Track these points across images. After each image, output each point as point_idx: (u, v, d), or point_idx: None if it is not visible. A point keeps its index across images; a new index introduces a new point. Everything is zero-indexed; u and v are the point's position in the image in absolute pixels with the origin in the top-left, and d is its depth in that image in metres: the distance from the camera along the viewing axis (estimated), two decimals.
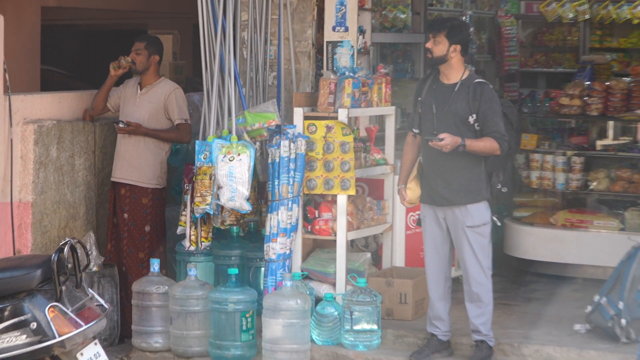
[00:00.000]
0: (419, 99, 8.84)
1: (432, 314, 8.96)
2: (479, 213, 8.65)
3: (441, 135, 8.35)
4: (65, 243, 7.43)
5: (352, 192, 9.62)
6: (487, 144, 8.50)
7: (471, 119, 8.53)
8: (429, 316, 9.01)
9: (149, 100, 10.14)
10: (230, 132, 9.65)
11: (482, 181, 8.66)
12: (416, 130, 8.89)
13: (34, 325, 7.22)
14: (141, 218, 10.11)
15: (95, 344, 7.50)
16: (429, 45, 8.66)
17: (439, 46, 8.60)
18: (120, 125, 9.99)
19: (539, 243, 11.45)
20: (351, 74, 9.77)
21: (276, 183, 9.44)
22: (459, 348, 9.04)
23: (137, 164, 10.08)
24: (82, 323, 7.31)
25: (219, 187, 9.44)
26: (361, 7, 10.81)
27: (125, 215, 10.13)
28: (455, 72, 8.68)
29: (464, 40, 8.71)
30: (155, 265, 9.68)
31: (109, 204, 10.32)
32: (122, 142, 10.13)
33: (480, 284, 8.72)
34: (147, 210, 10.11)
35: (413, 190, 8.82)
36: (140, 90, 10.21)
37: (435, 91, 8.72)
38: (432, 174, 8.72)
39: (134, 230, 10.11)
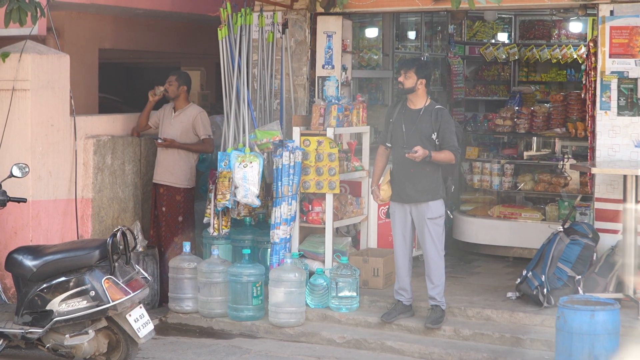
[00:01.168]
0: (390, 120, 8.82)
1: (398, 285, 8.93)
2: (437, 208, 8.66)
3: (415, 148, 8.37)
4: (118, 230, 7.41)
5: (337, 191, 9.59)
6: (446, 155, 8.54)
7: (434, 136, 8.55)
8: (395, 287, 8.98)
9: (181, 121, 10.08)
10: (244, 145, 9.62)
11: (439, 184, 8.67)
12: (389, 144, 8.86)
13: (92, 293, 7.20)
14: (175, 211, 10.05)
15: (140, 307, 7.47)
16: (401, 79, 8.66)
17: (409, 80, 8.61)
18: (159, 140, 9.96)
19: (479, 230, 11.41)
20: (336, 101, 9.75)
21: (279, 184, 9.40)
22: (418, 310, 9.01)
23: (173, 170, 10.01)
24: (130, 291, 7.29)
25: (236, 187, 9.41)
26: (344, 51, 10.78)
27: (164, 209, 10.05)
28: (421, 99, 8.68)
29: (428, 76, 8.73)
30: (187, 246, 9.65)
31: (151, 200, 10.25)
32: (161, 153, 10.07)
33: (436, 263, 8.70)
34: (180, 205, 10.06)
35: (385, 191, 8.82)
36: (174, 113, 10.15)
37: (404, 114, 8.71)
38: (402, 178, 8.69)
39: (170, 220, 10.05)
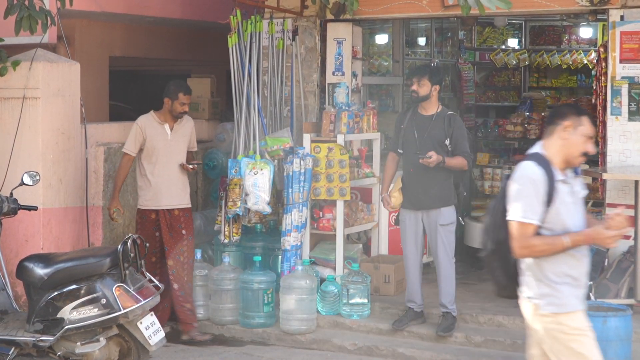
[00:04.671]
0: (402, 126, 8.78)
1: (409, 292, 8.90)
2: (449, 214, 8.64)
3: (429, 154, 8.35)
4: (129, 237, 7.40)
5: (348, 198, 9.59)
6: (459, 161, 8.53)
7: (447, 142, 8.53)
8: (406, 294, 8.95)
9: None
10: (255, 152, 9.62)
11: (451, 190, 8.65)
12: (400, 151, 8.82)
13: (103, 300, 7.18)
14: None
15: (151, 314, 7.46)
16: (414, 87, 8.60)
17: (424, 87, 8.58)
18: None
19: None
20: (347, 108, 9.75)
21: (290, 191, 9.40)
22: (430, 317, 8.99)
23: (186, 189, 9.27)
24: (141, 299, 7.27)
25: (247, 194, 9.40)
26: (354, 57, 10.78)
27: (184, 232, 9.10)
28: (433, 106, 8.67)
29: (441, 81, 8.75)
30: (198, 253, 9.64)
31: (143, 228, 9.10)
32: (174, 173, 9.12)
33: (447, 270, 8.68)
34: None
35: (396, 198, 8.78)
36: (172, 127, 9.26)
37: (416, 121, 8.69)
38: (414, 185, 8.65)
39: (192, 244, 9.27)
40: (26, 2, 8.17)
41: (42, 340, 7.30)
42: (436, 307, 8.90)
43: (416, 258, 8.81)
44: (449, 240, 8.67)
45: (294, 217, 9.41)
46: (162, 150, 9.07)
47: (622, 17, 9.26)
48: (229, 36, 9.69)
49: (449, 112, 8.73)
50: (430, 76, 8.59)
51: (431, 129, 8.60)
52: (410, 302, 8.90)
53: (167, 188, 9.08)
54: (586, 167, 10.65)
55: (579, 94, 14.77)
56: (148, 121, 9.17)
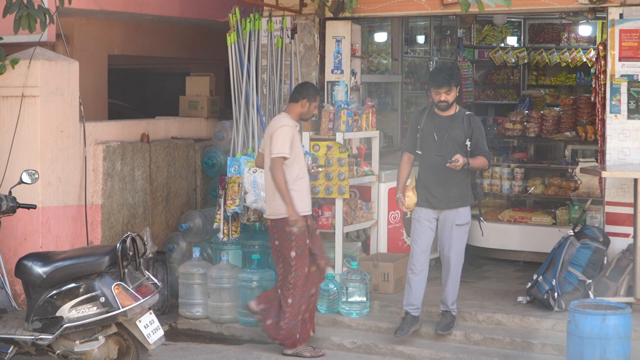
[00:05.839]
0: (419, 127, 8.59)
1: (411, 295, 8.66)
2: (466, 214, 8.55)
3: (455, 157, 8.23)
4: (127, 236, 7.40)
5: (347, 196, 9.58)
6: (482, 161, 8.46)
7: (467, 143, 8.43)
8: (406, 296, 8.70)
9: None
10: (254, 150, 9.62)
11: (469, 190, 8.57)
12: (419, 152, 8.60)
13: (102, 299, 7.19)
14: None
15: (150, 313, 7.46)
16: (443, 98, 8.38)
17: (451, 94, 8.42)
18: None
19: (490, 234, 11.36)
20: (346, 106, 9.74)
21: None
22: (429, 315, 8.94)
23: None
24: (140, 297, 7.27)
25: (246, 193, 9.40)
26: (353, 55, 10.78)
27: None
28: (452, 107, 8.54)
29: (460, 82, 8.65)
30: (196, 252, 9.65)
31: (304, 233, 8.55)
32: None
33: (456, 270, 8.57)
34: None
35: (411, 198, 8.56)
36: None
37: (433, 122, 8.53)
38: (433, 185, 8.49)
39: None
40: (25, 1, 8.17)
41: (41, 339, 7.30)
42: (436, 305, 8.88)
43: (425, 260, 8.64)
44: (463, 240, 8.57)
45: None
46: (301, 153, 8.70)
47: (621, 15, 9.26)
48: (227, 34, 9.69)
49: (467, 112, 8.60)
50: (455, 82, 8.47)
51: (451, 129, 8.47)
52: (410, 305, 8.69)
53: (308, 191, 8.76)
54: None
55: (578, 92, 14.75)
56: (292, 123, 8.63)
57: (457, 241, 8.55)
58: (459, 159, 8.24)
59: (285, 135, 8.41)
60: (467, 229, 8.62)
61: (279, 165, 8.38)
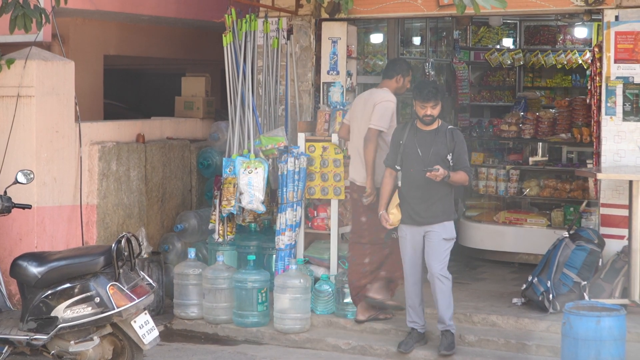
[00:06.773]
0: (401, 142, 8.45)
1: (412, 313, 8.60)
2: (451, 228, 8.43)
3: (436, 167, 8.15)
4: (123, 236, 7.40)
5: (342, 197, 9.59)
6: (462, 176, 8.33)
7: (449, 157, 8.34)
8: (408, 315, 8.62)
9: None
10: (249, 151, 9.63)
11: (452, 205, 8.47)
12: (398, 168, 8.50)
13: (97, 299, 7.19)
14: None
15: (145, 313, 7.46)
16: (429, 112, 8.28)
17: (437, 108, 8.33)
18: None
19: (485, 236, 11.40)
20: (341, 107, 9.76)
21: (284, 190, 9.40)
22: (430, 338, 8.71)
23: None
24: (135, 297, 7.27)
25: (241, 193, 9.41)
26: (349, 56, 10.78)
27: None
28: (435, 121, 8.44)
29: (443, 96, 8.60)
30: (192, 252, 9.65)
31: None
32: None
33: (445, 284, 8.36)
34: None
35: (395, 215, 8.44)
36: None
37: (416, 136, 8.40)
38: (416, 201, 8.37)
39: None
40: (21, 1, 8.16)
41: (35, 339, 7.30)
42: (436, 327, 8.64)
43: (417, 277, 8.52)
44: (447, 255, 8.41)
45: (288, 216, 9.42)
46: (392, 129, 8.83)
47: (616, 17, 9.27)
48: (223, 35, 9.69)
49: (449, 127, 8.49)
50: (441, 96, 8.41)
51: (434, 144, 8.35)
52: (413, 322, 8.62)
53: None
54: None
55: (574, 94, 14.77)
56: (394, 98, 8.95)
57: (441, 255, 8.36)
58: (440, 169, 8.14)
59: (387, 109, 8.83)
60: (452, 244, 8.45)
61: (374, 137, 8.80)
